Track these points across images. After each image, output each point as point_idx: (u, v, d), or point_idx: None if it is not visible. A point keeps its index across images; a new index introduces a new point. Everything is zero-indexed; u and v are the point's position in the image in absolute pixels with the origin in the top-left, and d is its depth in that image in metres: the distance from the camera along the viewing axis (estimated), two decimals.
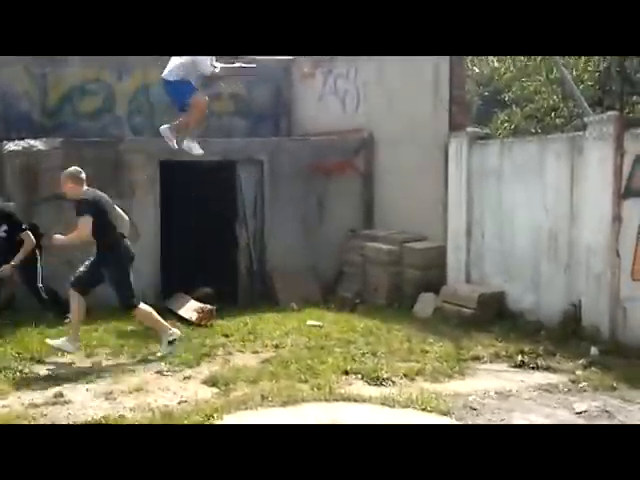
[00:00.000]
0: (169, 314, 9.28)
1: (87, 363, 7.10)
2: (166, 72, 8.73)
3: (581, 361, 6.88)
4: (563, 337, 7.64)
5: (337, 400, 5.79)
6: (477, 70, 17.44)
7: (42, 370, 6.83)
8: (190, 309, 9.06)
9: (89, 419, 5.40)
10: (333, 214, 10.87)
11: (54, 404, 5.83)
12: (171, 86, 8.82)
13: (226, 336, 8.12)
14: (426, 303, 9.29)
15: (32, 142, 9.86)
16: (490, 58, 16.23)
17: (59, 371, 6.75)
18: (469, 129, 9.68)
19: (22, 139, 10.03)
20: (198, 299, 9.50)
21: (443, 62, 9.68)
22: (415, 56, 7.30)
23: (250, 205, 10.70)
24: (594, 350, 7.13)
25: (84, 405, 5.83)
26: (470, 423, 5.28)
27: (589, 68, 12.56)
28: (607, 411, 5.57)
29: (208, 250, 10.59)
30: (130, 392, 6.13)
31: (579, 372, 6.60)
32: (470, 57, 14.32)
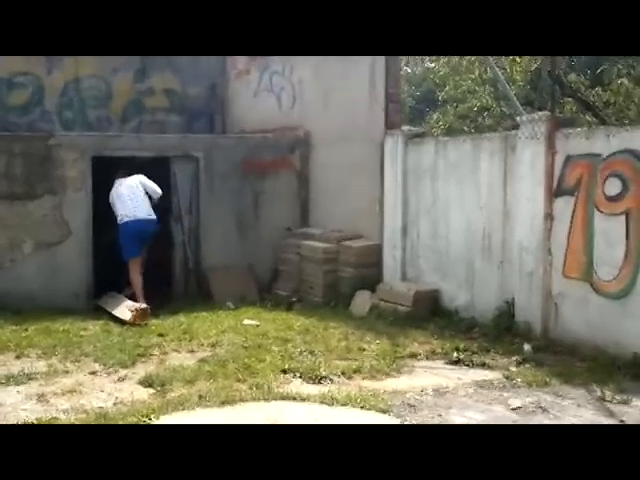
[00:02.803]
0: (102, 313, 9.13)
1: (17, 364, 6.89)
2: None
3: (515, 357, 6.99)
4: (497, 334, 7.76)
5: (276, 399, 5.75)
6: (409, 70, 17.63)
7: None
8: (124, 308, 8.89)
9: (20, 422, 5.24)
10: (269, 212, 10.83)
11: None
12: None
13: (161, 335, 7.99)
14: (362, 301, 9.32)
15: None
16: (424, 58, 16.41)
17: None
18: (405, 127, 9.75)
19: None
20: (131, 297, 9.36)
21: (379, 60, 9.70)
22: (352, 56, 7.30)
23: (185, 202, 10.56)
24: (527, 347, 7.26)
25: (15, 408, 5.65)
26: (409, 422, 5.32)
27: (520, 69, 12.79)
28: (541, 406, 5.67)
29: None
30: (63, 394, 5.98)
31: (513, 368, 6.70)
32: (404, 57, 14.44)
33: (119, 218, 9.59)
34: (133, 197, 9.62)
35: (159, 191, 9.86)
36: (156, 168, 10.30)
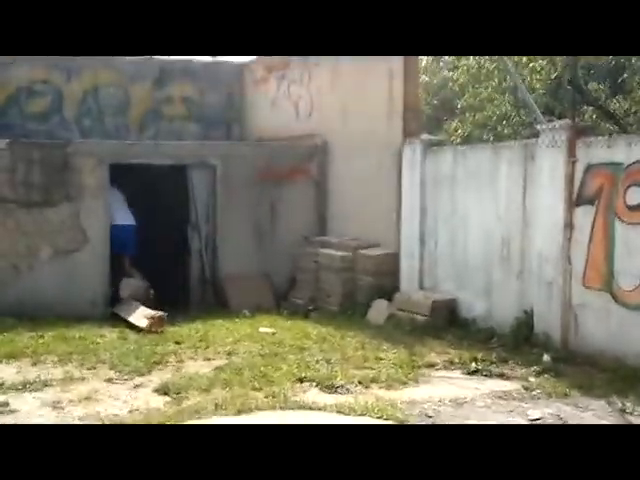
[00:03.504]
0: (118, 320, 9.12)
1: (33, 371, 6.88)
2: None
3: (534, 368, 6.91)
4: (515, 344, 7.67)
5: (292, 408, 5.70)
6: (427, 79, 17.57)
7: None
8: (140, 316, 8.88)
9: None
10: (286, 220, 10.80)
11: None
12: None
13: (177, 343, 7.96)
14: (379, 310, 9.26)
15: None
16: (442, 67, 16.34)
17: (4, 379, 6.52)
18: (423, 136, 9.69)
19: None
20: (145, 304, 9.36)
21: (397, 68, 9.66)
22: (372, 56, 7.22)
23: (202, 210, 10.57)
24: (546, 357, 7.17)
25: (30, 415, 5.64)
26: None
27: (540, 77, 12.71)
28: (561, 418, 5.59)
29: (159, 255, 10.42)
30: (79, 401, 5.96)
31: (532, 379, 6.63)
32: (421, 65, 14.38)
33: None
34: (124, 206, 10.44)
35: None
36: (173, 176, 10.32)
